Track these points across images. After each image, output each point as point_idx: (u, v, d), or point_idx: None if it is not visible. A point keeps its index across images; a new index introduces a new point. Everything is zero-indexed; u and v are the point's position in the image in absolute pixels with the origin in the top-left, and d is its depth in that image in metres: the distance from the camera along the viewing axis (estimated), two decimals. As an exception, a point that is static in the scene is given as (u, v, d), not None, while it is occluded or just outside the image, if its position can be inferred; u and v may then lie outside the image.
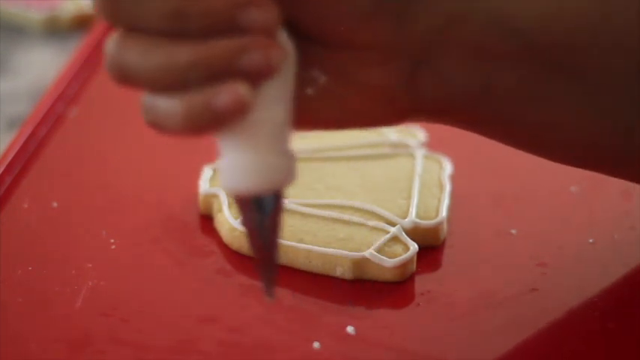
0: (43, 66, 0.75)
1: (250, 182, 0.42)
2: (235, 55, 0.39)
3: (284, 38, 0.41)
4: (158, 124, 0.41)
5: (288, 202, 0.53)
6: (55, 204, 0.55)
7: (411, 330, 0.48)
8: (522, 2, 0.43)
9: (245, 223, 0.43)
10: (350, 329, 0.47)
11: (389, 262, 0.50)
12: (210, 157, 0.57)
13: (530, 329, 0.47)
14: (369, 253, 0.50)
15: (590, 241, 0.53)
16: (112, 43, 0.40)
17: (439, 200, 0.54)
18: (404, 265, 0.50)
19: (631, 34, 0.43)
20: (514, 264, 0.52)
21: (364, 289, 0.50)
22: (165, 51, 0.40)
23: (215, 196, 0.54)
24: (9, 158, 0.57)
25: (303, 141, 0.58)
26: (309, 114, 0.43)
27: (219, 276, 0.51)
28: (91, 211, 0.55)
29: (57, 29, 0.79)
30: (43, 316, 0.48)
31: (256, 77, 0.40)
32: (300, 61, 0.42)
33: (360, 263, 0.50)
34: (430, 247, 0.52)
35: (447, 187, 0.55)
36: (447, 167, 0.57)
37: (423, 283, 0.50)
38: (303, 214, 0.52)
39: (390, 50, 0.42)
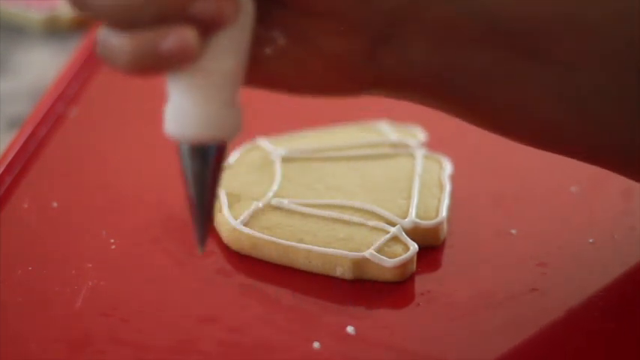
0: (43, 66, 0.75)
1: (193, 129, 0.42)
2: (188, 0, 0.40)
3: None
4: (108, 59, 0.41)
5: (288, 203, 0.53)
6: (55, 204, 0.55)
7: (411, 330, 0.48)
8: None
9: (183, 171, 0.43)
10: (350, 329, 0.47)
11: (389, 262, 0.50)
12: (210, 157, 0.57)
13: (530, 329, 0.47)
14: (369, 253, 0.50)
15: (590, 241, 0.53)
16: None
17: (439, 200, 0.54)
18: (404, 265, 0.50)
19: (607, 20, 0.43)
20: (514, 264, 0.52)
21: (364, 289, 0.50)
22: None
23: (215, 196, 0.54)
24: (9, 158, 0.57)
25: (303, 141, 0.58)
26: (266, 73, 0.44)
27: (219, 276, 0.51)
28: (91, 211, 0.55)
29: (57, 29, 0.79)
30: (43, 316, 0.48)
31: (207, 26, 0.40)
32: (260, 20, 0.42)
33: (360, 263, 0.50)
34: (430, 247, 0.52)
35: (447, 187, 0.55)
36: (447, 167, 0.57)
37: (423, 283, 0.50)
38: (303, 214, 0.52)
39: (352, 22, 0.43)
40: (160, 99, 0.67)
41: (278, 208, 0.53)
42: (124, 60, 0.41)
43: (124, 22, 0.41)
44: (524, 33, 0.43)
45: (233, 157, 0.57)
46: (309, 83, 0.44)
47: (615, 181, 0.57)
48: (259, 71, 0.43)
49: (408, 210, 0.53)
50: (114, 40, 0.41)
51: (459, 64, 0.43)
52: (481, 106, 0.45)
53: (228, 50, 0.41)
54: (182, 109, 0.42)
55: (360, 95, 0.45)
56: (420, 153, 0.57)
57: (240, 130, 0.43)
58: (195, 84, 0.41)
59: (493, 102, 0.44)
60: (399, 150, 0.58)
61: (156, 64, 0.41)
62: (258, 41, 0.43)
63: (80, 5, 0.41)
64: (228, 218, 0.52)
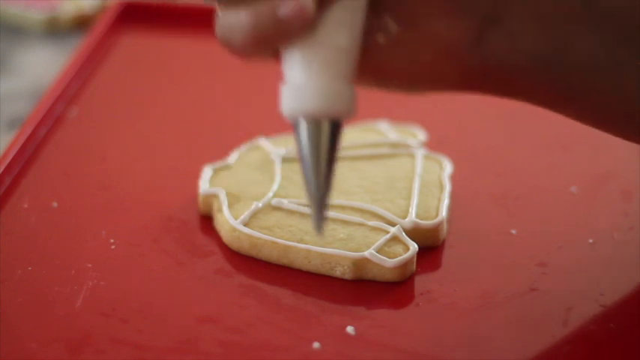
0: (43, 66, 0.75)
1: (308, 103, 0.42)
2: None
3: None
4: (227, 39, 0.42)
5: (288, 203, 0.53)
6: (55, 204, 0.55)
7: (411, 330, 0.48)
8: None
9: (299, 151, 0.43)
10: (350, 329, 0.47)
11: (389, 262, 0.50)
12: (210, 157, 0.57)
13: (530, 329, 0.47)
14: (369, 253, 0.50)
15: (590, 241, 0.53)
16: None
17: (439, 200, 0.54)
18: (404, 265, 0.50)
19: None
20: (514, 264, 0.52)
21: (364, 289, 0.50)
22: None
23: (215, 196, 0.54)
24: (9, 158, 0.57)
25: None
26: (379, 64, 0.44)
27: (219, 276, 0.51)
28: (91, 211, 0.55)
29: (57, 29, 0.79)
30: (43, 316, 0.48)
31: None
32: (372, 7, 0.43)
33: (360, 263, 0.50)
34: (430, 247, 0.52)
35: (447, 187, 0.55)
36: (447, 167, 0.57)
37: (423, 283, 0.50)
38: (302, 215, 0.52)
39: (459, 3, 0.43)
40: (160, 99, 0.67)
41: (278, 208, 0.53)
42: (244, 35, 0.42)
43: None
44: (620, 15, 0.43)
45: (233, 157, 0.57)
46: (419, 73, 0.44)
47: (615, 181, 0.57)
48: (372, 62, 0.44)
49: (408, 210, 0.53)
50: (233, 18, 0.42)
51: (564, 47, 0.43)
52: (584, 95, 0.44)
53: (343, 25, 0.42)
54: (297, 86, 0.42)
55: (470, 89, 0.45)
56: (420, 153, 0.57)
57: (355, 111, 0.43)
58: (310, 58, 0.42)
59: (596, 90, 0.44)
60: (399, 150, 0.58)
61: (275, 34, 0.42)
62: (370, 30, 0.43)
63: None
64: (228, 218, 0.52)
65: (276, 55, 0.44)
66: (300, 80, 0.42)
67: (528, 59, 0.44)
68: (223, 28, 0.43)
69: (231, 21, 0.42)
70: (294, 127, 0.43)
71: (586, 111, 0.45)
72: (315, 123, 0.42)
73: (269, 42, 0.42)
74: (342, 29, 0.42)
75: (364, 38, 0.43)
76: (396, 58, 0.44)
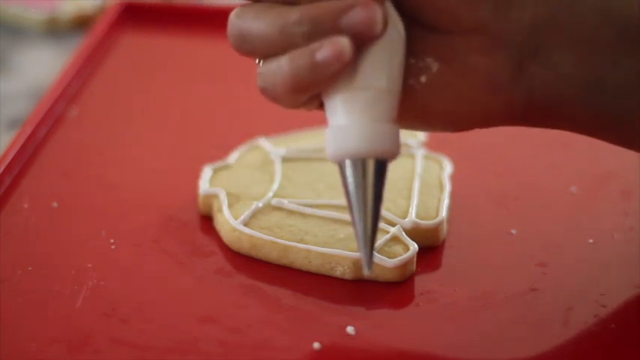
0: (43, 66, 0.75)
1: (351, 144, 0.43)
2: (339, 13, 0.42)
3: (391, 10, 0.43)
4: (268, 88, 0.44)
5: (288, 203, 0.53)
6: (55, 204, 0.55)
7: (411, 330, 0.48)
8: None
9: (345, 191, 0.44)
10: (350, 329, 0.47)
11: (389, 262, 0.50)
12: (210, 157, 0.57)
13: (530, 329, 0.47)
14: (369, 253, 0.50)
15: (590, 241, 0.53)
16: (233, 14, 0.44)
17: (439, 200, 0.54)
18: (404, 265, 0.50)
19: None
20: (514, 264, 0.52)
21: (364, 289, 0.50)
22: (277, 12, 0.43)
23: (215, 196, 0.54)
24: (9, 158, 0.57)
25: (303, 141, 0.58)
26: (423, 104, 0.45)
27: (219, 276, 0.51)
28: (91, 211, 0.55)
29: (57, 29, 0.79)
30: (43, 316, 0.48)
31: (359, 36, 0.42)
32: (412, 50, 0.44)
33: (360, 263, 0.50)
34: (430, 247, 0.52)
35: (447, 187, 0.55)
36: (447, 167, 0.57)
37: (423, 283, 0.50)
38: (303, 214, 0.52)
39: (496, 36, 0.43)
40: (160, 99, 0.67)
41: (278, 208, 0.53)
42: (284, 81, 0.43)
43: (281, 47, 0.43)
44: None
45: (233, 157, 0.57)
46: (464, 110, 0.45)
47: (615, 181, 0.57)
48: (416, 103, 0.45)
49: (408, 210, 0.53)
50: (272, 66, 0.43)
51: (602, 74, 0.43)
52: (627, 120, 0.45)
53: (381, 67, 0.43)
54: (340, 128, 0.43)
55: (514, 123, 0.46)
56: (420, 153, 0.57)
57: (399, 149, 0.44)
58: (351, 101, 0.43)
59: (638, 114, 0.44)
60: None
61: (314, 77, 0.42)
62: (412, 72, 0.44)
63: (239, 42, 0.44)
64: (228, 218, 0.52)
65: (319, 105, 0.44)
66: (343, 123, 0.43)
67: (569, 87, 0.44)
68: (264, 77, 0.44)
69: (272, 67, 0.43)
70: (340, 169, 0.44)
71: (633, 136, 0.46)
72: (359, 164, 0.43)
73: (309, 87, 0.43)
74: (380, 70, 0.43)
75: (406, 80, 0.44)
76: (440, 96, 0.44)
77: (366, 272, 0.45)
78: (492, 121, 0.46)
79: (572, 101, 0.44)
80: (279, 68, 0.43)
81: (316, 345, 0.46)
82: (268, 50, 0.43)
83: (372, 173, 0.43)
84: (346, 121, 0.43)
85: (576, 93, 0.44)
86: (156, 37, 0.73)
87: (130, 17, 0.73)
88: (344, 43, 0.42)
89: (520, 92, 0.44)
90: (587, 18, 0.43)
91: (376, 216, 0.44)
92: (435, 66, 0.44)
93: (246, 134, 0.59)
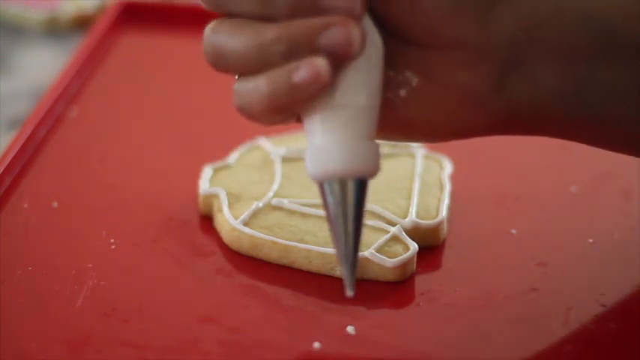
0: (43, 66, 0.75)
1: (331, 165, 0.42)
2: (316, 32, 0.41)
3: (370, 26, 0.43)
4: (245, 107, 0.43)
5: (288, 202, 0.53)
6: (55, 204, 0.55)
7: (411, 330, 0.48)
8: (610, 1, 0.43)
9: (326, 210, 0.43)
10: (350, 329, 0.47)
11: (389, 262, 0.50)
12: (210, 157, 0.57)
13: (530, 329, 0.47)
14: (369, 253, 0.50)
15: (590, 241, 0.53)
16: (208, 29, 0.43)
17: (439, 200, 0.54)
18: (404, 265, 0.50)
19: None
20: (514, 264, 0.52)
21: (364, 289, 0.50)
22: (252, 30, 0.42)
23: (215, 196, 0.54)
24: (9, 158, 0.57)
25: (303, 141, 0.58)
26: (403, 117, 0.44)
27: (219, 276, 0.51)
28: (91, 211, 0.55)
29: (57, 29, 0.79)
30: (43, 316, 0.48)
31: (337, 56, 0.42)
32: (391, 63, 0.43)
33: (360, 263, 0.50)
34: (430, 247, 0.52)
35: (447, 187, 0.55)
36: (447, 167, 0.57)
37: (423, 283, 0.50)
38: (303, 214, 0.52)
39: (477, 50, 0.43)
40: (160, 99, 0.67)
41: (278, 208, 0.53)
42: (261, 101, 0.42)
43: (258, 65, 0.42)
44: (637, 46, 0.43)
45: (233, 157, 0.57)
46: (444, 122, 0.45)
47: (615, 181, 0.57)
48: (396, 116, 0.44)
49: (408, 210, 0.53)
50: (249, 85, 0.43)
51: (586, 82, 0.43)
52: (611, 126, 0.45)
53: (360, 84, 0.42)
54: (319, 148, 0.43)
55: (495, 134, 0.45)
56: (420, 153, 0.57)
57: (379, 167, 0.43)
58: (330, 120, 0.42)
59: (622, 119, 0.44)
60: (399, 150, 0.58)
61: (291, 98, 0.42)
62: (392, 86, 0.44)
63: (214, 59, 0.43)
64: (228, 218, 0.52)
65: (298, 119, 0.44)
66: (322, 142, 0.43)
67: (552, 98, 0.44)
68: (240, 96, 0.43)
69: (249, 87, 0.43)
70: (319, 188, 0.43)
71: (617, 141, 0.46)
72: (340, 184, 0.43)
73: (287, 108, 0.43)
74: (359, 88, 0.42)
75: (385, 94, 0.44)
76: (420, 110, 0.44)
77: (348, 294, 0.44)
78: (474, 133, 0.45)
79: (553, 111, 0.44)
80: (255, 88, 0.42)
81: (316, 345, 0.46)
82: (244, 68, 0.43)
83: (353, 193, 0.43)
84: (325, 141, 0.42)
85: (558, 103, 0.44)
86: (156, 37, 0.73)
87: (130, 17, 0.73)
88: (321, 64, 0.41)
89: (501, 104, 0.44)
90: (569, 30, 0.43)
91: (357, 235, 0.43)
92: (414, 80, 0.44)
93: (246, 134, 0.59)
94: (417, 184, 0.55)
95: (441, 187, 0.55)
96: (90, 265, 0.51)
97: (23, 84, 0.72)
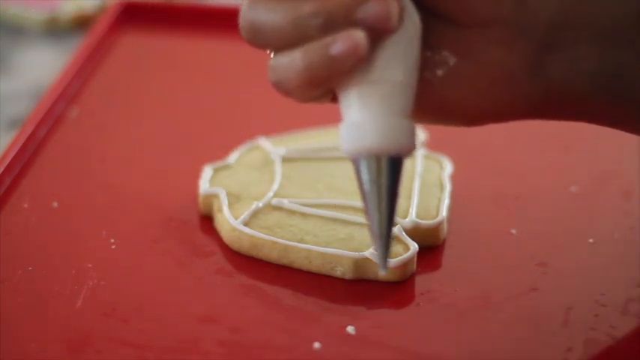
0: (43, 66, 0.75)
1: (367, 141, 0.42)
2: (354, 5, 0.41)
3: (408, 2, 0.42)
4: (281, 82, 0.43)
5: (288, 202, 0.53)
6: (55, 204, 0.55)
7: (411, 330, 0.48)
8: None
9: (360, 188, 0.43)
10: (350, 329, 0.47)
11: (389, 261, 0.50)
12: (210, 157, 0.57)
13: (530, 329, 0.47)
14: (369, 253, 0.50)
15: (590, 241, 0.53)
16: (245, 4, 0.43)
17: (439, 200, 0.54)
18: (404, 265, 0.50)
19: None
20: (514, 264, 0.52)
21: (364, 289, 0.50)
22: (289, 4, 0.42)
23: (215, 196, 0.54)
24: (9, 158, 0.57)
25: (303, 141, 0.58)
26: (440, 98, 0.44)
27: (219, 276, 0.51)
28: (91, 211, 0.55)
29: (57, 29, 0.79)
30: (43, 316, 0.48)
31: (374, 30, 0.41)
32: (428, 42, 0.43)
33: (360, 263, 0.50)
34: (430, 247, 0.52)
35: (447, 187, 0.55)
36: (447, 167, 0.57)
37: (423, 283, 0.50)
38: (303, 214, 0.52)
39: (515, 29, 0.43)
40: (160, 99, 0.67)
41: (278, 208, 0.53)
42: (298, 75, 0.42)
43: (295, 39, 0.42)
44: None
45: (233, 157, 0.57)
46: (481, 103, 0.44)
47: (615, 181, 0.57)
48: (433, 97, 0.44)
49: (408, 210, 0.53)
50: (285, 59, 0.42)
51: (623, 66, 0.43)
52: None
53: (397, 60, 0.42)
54: (354, 124, 0.42)
55: (532, 117, 0.45)
56: (420, 153, 0.57)
57: (415, 145, 0.43)
58: (367, 95, 0.42)
59: None
60: (399, 150, 0.57)
61: (328, 71, 0.41)
62: (429, 65, 0.44)
63: (252, 35, 0.43)
64: (228, 218, 0.52)
65: (333, 98, 0.44)
66: (358, 118, 0.42)
67: (589, 81, 0.43)
68: (276, 71, 0.43)
69: (285, 61, 0.42)
70: (354, 165, 0.43)
71: None
72: (375, 160, 0.42)
73: (324, 82, 0.42)
74: (396, 64, 0.42)
75: (423, 74, 0.43)
76: (457, 90, 0.44)
77: (381, 272, 0.44)
78: (510, 115, 0.45)
79: (592, 94, 0.44)
80: (292, 62, 0.42)
81: (316, 345, 0.46)
82: (281, 43, 0.42)
83: (388, 170, 0.42)
84: (361, 117, 0.42)
85: (596, 86, 0.43)
86: (156, 37, 0.73)
87: (130, 17, 0.73)
88: (359, 37, 0.41)
89: (539, 86, 0.44)
90: (608, 10, 0.43)
91: (392, 214, 0.43)
92: (452, 59, 0.44)
93: (246, 134, 0.59)
94: (417, 184, 0.55)
95: (441, 187, 0.55)
96: (90, 265, 0.51)
97: (23, 84, 0.72)
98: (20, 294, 0.49)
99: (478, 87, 0.44)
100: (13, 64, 0.75)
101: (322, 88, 0.43)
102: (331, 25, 0.41)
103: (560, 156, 0.60)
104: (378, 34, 0.42)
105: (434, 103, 0.44)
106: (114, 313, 0.48)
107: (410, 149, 0.43)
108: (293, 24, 0.42)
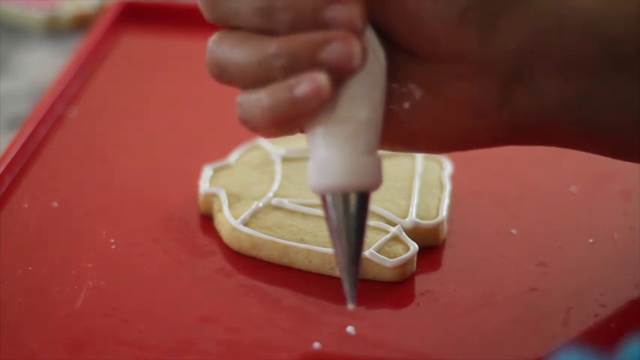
0: (43, 66, 0.75)
1: (333, 178, 0.42)
2: (317, 47, 0.41)
3: (373, 39, 0.42)
4: (247, 120, 0.43)
5: (289, 202, 0.53)
6: (55, 204, 0.55)
7: (411, 330, 0.48)
8: (613, 11, 0.43)
9: (328, 223, 0.44)
10: (350, 329, 0.47)
11: (389, 262, 0.50)
12: (210, 157, 0.57)
13: (530, 329, 0.47)
14: (369, 252, 0.50)
15: (590, 241, 0.53)
16: (211, 42, 0.44)
17: (439, 200, 0.54)
18: (404, 265, 0.50)
19: None
20: (514, 264, 0.52)
21: (364, 289, 0.50)
22: (254, 43, 0.42)
23: (215, 196, 0.54)
24: (9, 158, 0.57)
25: (303, 141, 0.58)
26: (407, 130, 0.44)
27: (219, 276, 0.51)
28: (91, 211, 0.55)
29: (57, 29, 0.79)
30: (43, 316, 0.48)
31: (338, 70, 0.41)
32: (394, 76, 0.43)
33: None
34: (430, 247, 0.52)
35: (447, 187, 0.55)
36: (447, 167, 0.57)
37: (423, 283, 0.50)
38: (303, 214, 0.52)
39: (480, 64, 0.43)
40: (160, 99, 0.67)
41: (278, 208, 0.53)
42: (263, 114, 0.42)
43: (259, 79, 0.42)
44: (638, 56, 0.43)
45: (233, 157, 0.57)
46: (448, 134, 0.45)
47: (615, 181, 0.57)
48: (400, 129, 0.44)
49: (408, 210, 0.53)
50: (252, 98, 0.43)
51: (589, 94, 0.43)
52: (614, 135, 0.44)
53: (362, 98, 0.42)
54: (321, 161, 0.43)
55: (499, 145, 0.45)
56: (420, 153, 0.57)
57: (381, 180, 0.43)
58: (332, 134, 0.42)
59: (625, 128, 0.44)
60: (399, 150, 0.58)
61: (293, 112, 0.42)
62: (395, 98, 0.44)
63: (218, 72, 0.43)
64: (228, 218, 0.52)
65: (301, 131, 0.44)
66: (325, 156, 0.43)
67: (556, 110, 0.44)
68: (243, 108, 0.43)
69: (251, 100, 0.43)
70: (322, 201, 0.43)
71: (620, 149, 0.46)
72: (342, 197, 0.43)
73: (289, 121, 0.43)
74: (361, 102, 0.42)
75: (389, 106, 0.44)
76: (423, 123, 0.44)
77: (350, 306, 0.44)
78: (478, 144, 0.45)
79: (559, 122, 0.44)
80: (258, 101, 0.42)
81: (316, 345, 0.46)
82: (247, 82, 0.43)
83: (354, 206, 0.43)
84: (328, 155, 0.42)
85: (563, 114, 0.44)
86: (156, 37, 0.73)
87: (130, 17, 0.73)
88: (322, 79, 0.41)
89: (506, 117, 0.44)
90: (574, 41, 0.43)
91: (359, 248, 0.43)
92: (418, 92, 0.44)
93: (246, 134, 0.59)
94: (417, 184, 0.55)
95: (441, 187, 0.55)
96: (90, 265, 0.51)
97: (23, 84, 0.72)
98: (20, 294, 0.49)
99: (445, 119, 0.44)
100: (13, 64, 0.75)
101: (287, 127, 0.43)
102: (294, 66, 0.42)
103: (560, 156, 0.59)
104: (342, 74, 0.42)
105: (401, 134, 0.44)
106: (114, 313, 0.48)
107: (376, 185, 0.43)
108: (257, 64, 0.42)
